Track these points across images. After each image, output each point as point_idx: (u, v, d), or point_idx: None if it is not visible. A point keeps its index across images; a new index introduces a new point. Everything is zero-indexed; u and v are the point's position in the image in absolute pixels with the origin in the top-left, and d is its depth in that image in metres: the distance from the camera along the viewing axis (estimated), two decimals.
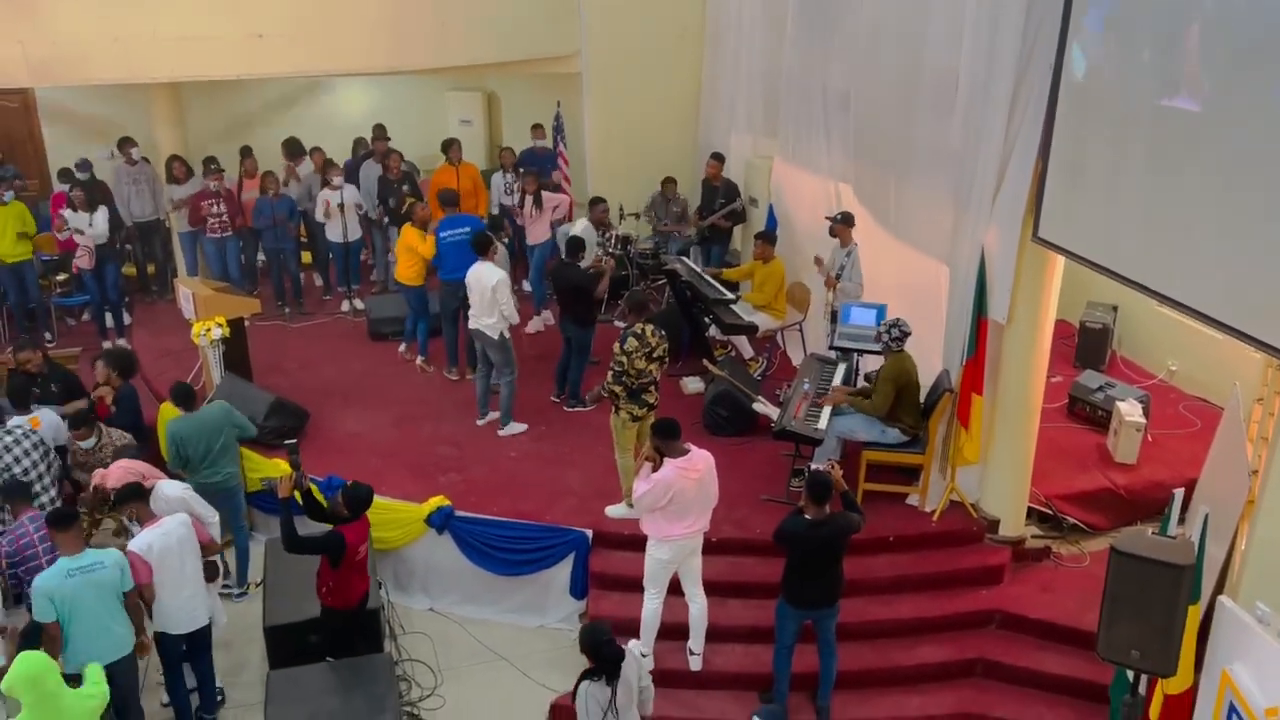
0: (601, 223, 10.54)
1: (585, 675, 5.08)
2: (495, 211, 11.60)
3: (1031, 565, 7.34)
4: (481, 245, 8.57)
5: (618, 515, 7.48)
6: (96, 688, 5.14)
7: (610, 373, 7.23)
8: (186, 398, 7.39)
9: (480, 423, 8.83)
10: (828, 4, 8.90)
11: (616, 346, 7.22)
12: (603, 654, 5.01)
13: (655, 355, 7.27)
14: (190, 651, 6.30)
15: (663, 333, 7.43)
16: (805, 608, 6.14)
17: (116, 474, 6.42)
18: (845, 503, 6.06)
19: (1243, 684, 4.24)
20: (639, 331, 7.22)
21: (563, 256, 9.32)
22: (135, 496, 6.10)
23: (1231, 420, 6.08)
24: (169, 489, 6.43)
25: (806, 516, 5.90)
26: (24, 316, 10.77)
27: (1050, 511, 7.55)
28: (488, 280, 8.33)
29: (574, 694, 5.11)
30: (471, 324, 8.61)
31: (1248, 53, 4.67)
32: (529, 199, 10.51)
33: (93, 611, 5.58)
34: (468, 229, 9.30)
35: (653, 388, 7.35)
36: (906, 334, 7.30)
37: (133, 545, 5.92)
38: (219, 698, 6.63)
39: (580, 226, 10.39)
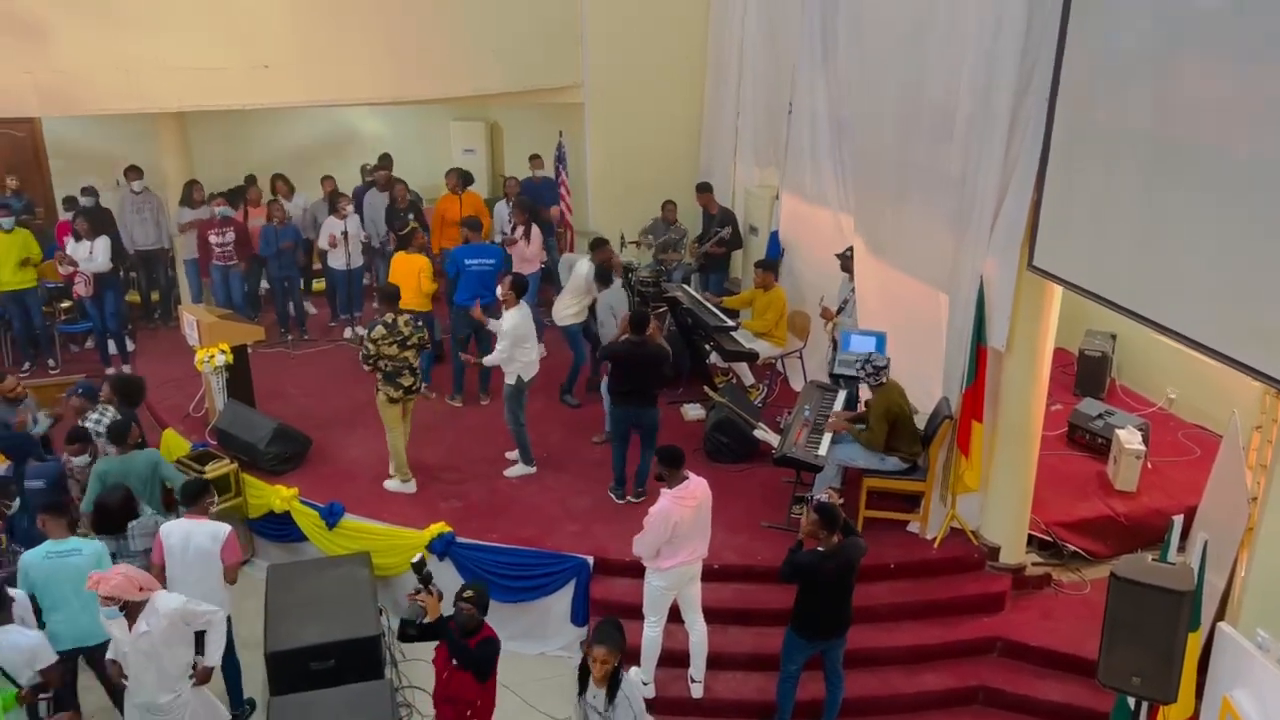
0: (607, 267, 9.14)
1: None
2: (498, 240, 11.65)
3: (1032, 592, 7.34)
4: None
5: (394, 489, 8.17)
6: None
7: (360, 354, 7.91)
8: (118, 435, 7.01)
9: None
10: (829, 33, 9.02)
11: (365, 332, 7.97)
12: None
13: (410, 343, 7.86)
14: None
15: (419, 323, 8.07)
16: (816, 639, 6.14)
17: (116, 580, 5.54)
18: (845, 529, 6.04)
19: (1244, 710, 4.25)
20: (389, 321, 7.78)
21: (630, 334, 7.85)
22: None
23: (1230, 448, 6.10)
24: (166, 602, 5.50)
25: (819, 549, 5.88)
26: (28, 344, 10.83)
27: (1051, 539, 7.55)
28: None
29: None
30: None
31: (1238, 78, 4.74)
32: (520, 229, 10.59)
33: (68, 595, 5.85)
34: (494, 260, 9.49)
35: (407, 372, 7.91)
36: (881, 367, 7.31)
37: (162, 526, 6.21)
38: (249, 707, 6.75)
39: (584, 269, 9.43)
